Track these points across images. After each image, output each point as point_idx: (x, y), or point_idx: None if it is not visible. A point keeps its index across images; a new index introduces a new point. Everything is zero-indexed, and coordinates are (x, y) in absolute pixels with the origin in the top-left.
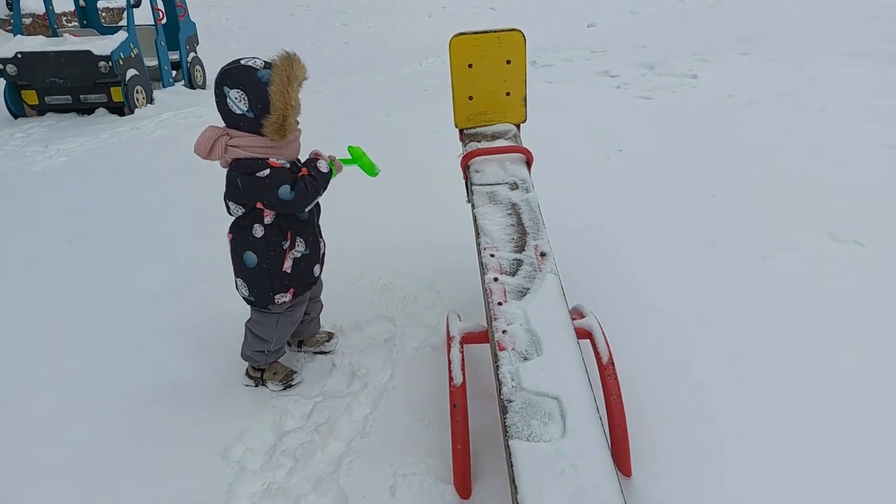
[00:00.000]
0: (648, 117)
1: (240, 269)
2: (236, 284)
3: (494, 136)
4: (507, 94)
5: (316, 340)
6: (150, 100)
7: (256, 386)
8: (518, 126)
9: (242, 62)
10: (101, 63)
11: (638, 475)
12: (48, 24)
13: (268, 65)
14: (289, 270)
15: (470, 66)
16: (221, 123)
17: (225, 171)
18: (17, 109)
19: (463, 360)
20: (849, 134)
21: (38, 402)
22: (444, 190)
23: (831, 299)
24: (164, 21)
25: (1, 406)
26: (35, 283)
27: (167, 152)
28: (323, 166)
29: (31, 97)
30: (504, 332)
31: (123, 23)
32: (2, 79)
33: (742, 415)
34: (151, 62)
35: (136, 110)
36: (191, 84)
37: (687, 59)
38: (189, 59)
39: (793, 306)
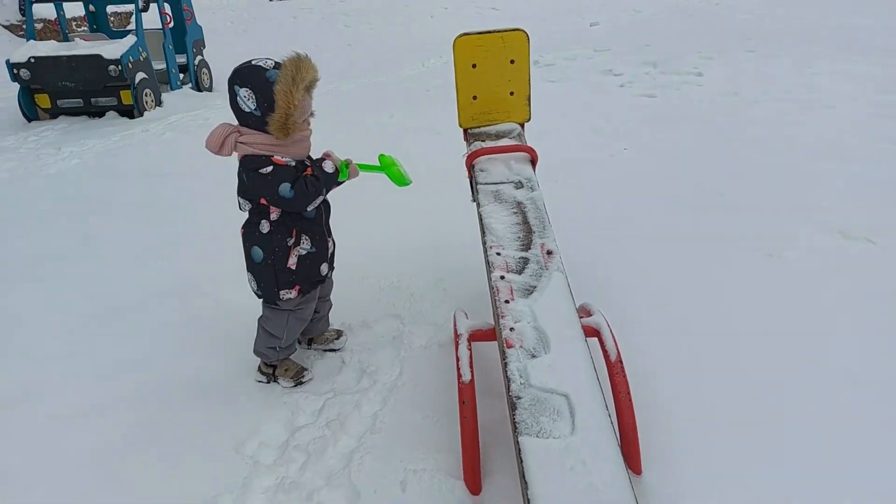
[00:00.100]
0: (652, 116)
1: (249, 263)
2: (248, 278)
3: (499, 136)
4: (511, 93)
5: (325, 338)
6: (158, 102)
7: (268, 382)
8: (522, 125)
9: (254, 62)
10: (111, 67)
11: (648, 473)
12: (59, 29)
13: (278, 65)
14: (293, 267)
15: (474, 66)
16: (234, 122)
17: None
18: (31, 113)
19: (471, 357)
20: (856, 130)
21: (54, 400)
22: (449, 189)
23: (841, 297)
24: (171, 25)
25: (18, 403)
26: (50, 282)
27: (176, 153)
28: (328, 167)
29: (43, 101)
30: (512, 329)
31: (132, 27)
32: (15, 83)
33: (751, 413)
34: (159, 65)
35: (145, 113)
36: (198, 87)
37: (691, 56)
38: (196, 62)
39: (802, 305)
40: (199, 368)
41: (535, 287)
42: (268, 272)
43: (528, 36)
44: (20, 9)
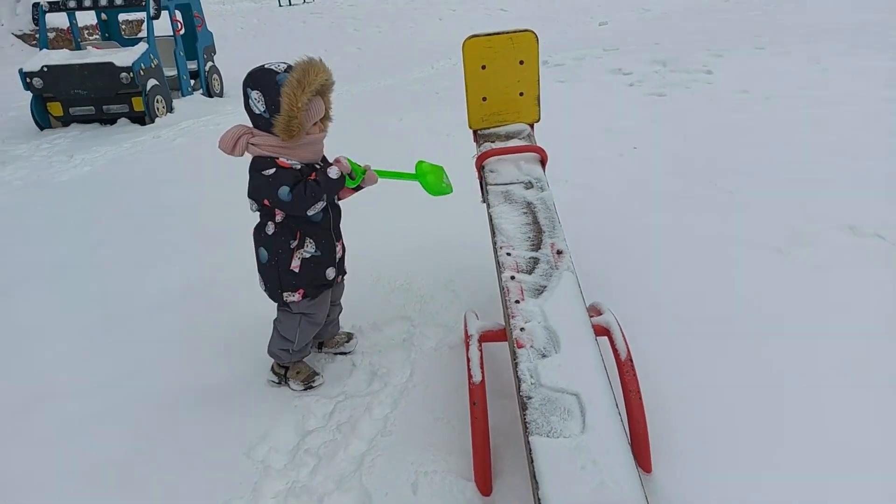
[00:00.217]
0: (662, 114)
1: (258, 264)
2: (258, 279)
3: (508, 137)
4: (521, 94)
5: (336, 342)
6: (169, 109)
7: (279, 384)
8: (532, 126)
9: (266, 65)
10: (123, 74)
11: (658, 471)
12: (72, 37)
13: (289, 68)
14: (297, 270)
15: (483, 67)
16: (249, 124)
17: None
18: (43, 121)
19: (481, 358)
20: (866, 126)
21: (66, 405)
22: (459, 190)
23: (852, 294)
24: (182, 32)
25: (29, 409)
26: (61, 288)
27: (187, 159)
28: (332, 173)
29: (56, 109)
30: (522, 329)
31: (143, 34)
32: (29, 91)
33: (762, 411)
34: (171, 72)
35: (157, 119)
36: (209, 93)
37: (700, 54)
38: (207, 68)
39: (813, 301)
40: (208, 373)
41: (545, 287)
42: (272, 273)
43: (536, 37)
44: (33, 18)
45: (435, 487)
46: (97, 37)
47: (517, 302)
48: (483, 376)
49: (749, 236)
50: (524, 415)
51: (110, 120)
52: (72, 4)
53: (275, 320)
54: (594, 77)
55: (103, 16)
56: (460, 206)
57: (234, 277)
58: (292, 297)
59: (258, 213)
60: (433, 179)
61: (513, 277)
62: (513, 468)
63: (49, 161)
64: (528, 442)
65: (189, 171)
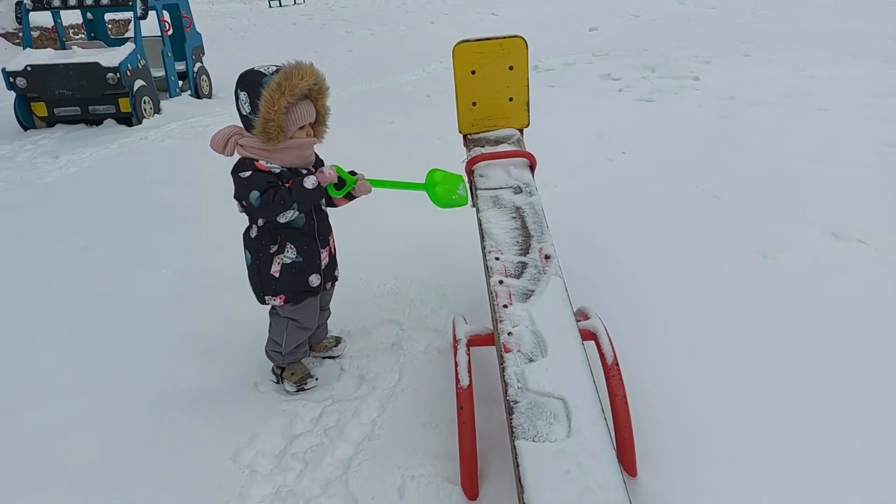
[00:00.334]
0: (651, 120)
1: (246, 266)
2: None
3: (498, 141)
4: (510, 99)
5: (324, 346)
6: (157, 110)
7: (278, 383)
8: (521, 131)
9: (256, 68)
10: (110, 75)
11: (643, 475)
12: (56, 36)
13: (277, 71)
14: (277, 275)
15: (473, 72)
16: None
17: None
18: (27, 121)
19: (469, 362)
20: (851, 133)
21: (52, 409)
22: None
23: (835, 298)
24: (170, 32)
25: (16, 412)
26: (48, 291)
27: (174, 161)
28: (308, 183)
29: (40, 109)
30: (510, 333)
31: (130, 34)
32: (12, 91)
33: (747, 414)
34: (158, 73)
35: (144, 120)
36: (197, 94)
37: (688, 61)
38: (195, 69)
39: (797, 306)
40: (196, 377)
41: (533, 291)
42: (255, 277)
43: (526, 43)
44: (16, 17)
45: (421, 491)
46: (83, 36)
47: (505, 306)
48: (471, 380)
49: (735, 241)
50: (510, 419)
51: (96, 121)
52: (56, 3)
53: (269, 322)
54: (584, 82)
55: (89, 15)
56: (451, 210)
57: (223, 280)
58: (274, 301)
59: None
60: (443, 191)
61: (501, 282)
62: (499, 472)
63: (33, 162)
64: (514, 446)
65: (177, 172)
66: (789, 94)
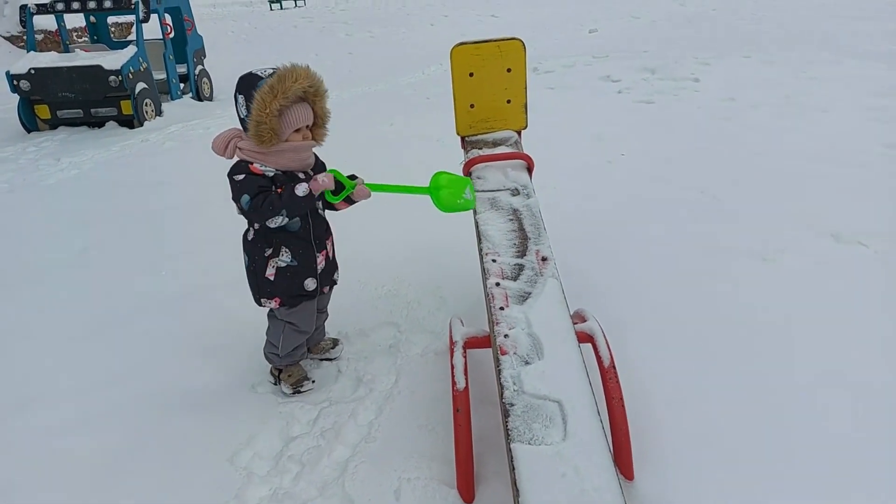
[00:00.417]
0: (650, 121)
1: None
2: None
3: (496, 143)
4: (508, 101)
5: (321, 348)
6: (158, 112)
7: (276, 384)
8: (519, 133)
9: (253, 71)
10: (112, 77)
11: (641, 478)
12: (60, 40)
13: (272, 74)
14: (272, 278)
15: (471, 74)
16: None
17: None
18: (30, 124)
19: (466, 364)
20: (851, 135)
21: (50, 410)
22: None
23: (835, 300)
24: (171, 35)
25: (15, 413)
26: (48, 292)
27: (176, 163)
28: (300, 190)
29: (43, 111)
30: (506, 336)
31: (133, 37)
32: (15, 94)
33: (745, 417)
34: (160, 75)
35: (146, 123)
36: (198, 96)
37: (688, 62)
38: (196, 71)
39: (797, 308)
40: (195, 378)
41: (529, 293)
42: (251, 279)
43: (524, 45)
44: (21, 20)
45: (418, 494)
46: (86, 39)
47: (501, 308)
48: (467, 383)
49: (735, 243)
50: (506, 422)
51: (98, 123)
52: (59, 7)
53: (267, 325)
54: (584, 84)
55: (92, 18)
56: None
57: (223, 282)
58: (270, 304)
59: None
60: (447, 195)
61: (498, 284)
62: (496, 475)
63: (36, 164)
64: (510, 449)
65: (178, 174)
66: (790, 96)
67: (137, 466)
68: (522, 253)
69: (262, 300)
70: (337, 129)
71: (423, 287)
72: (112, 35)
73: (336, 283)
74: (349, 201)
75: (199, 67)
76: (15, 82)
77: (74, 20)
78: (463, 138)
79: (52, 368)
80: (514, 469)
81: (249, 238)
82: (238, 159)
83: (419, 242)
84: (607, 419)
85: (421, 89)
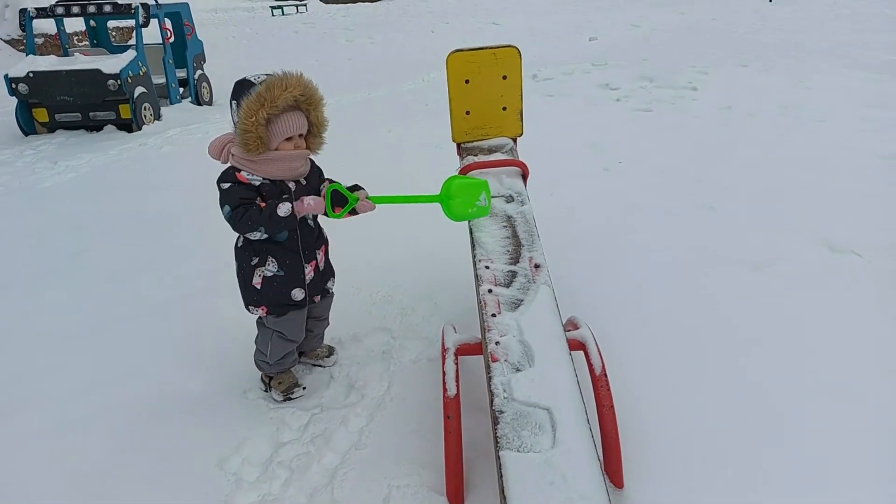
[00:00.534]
0: (648, 130)
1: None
2: None
3: (491, 150)
4: (504, 108)
5: (316, 354)
6: (157, 116)
7: (266, 391)
8: (515, 140)
9: (248, 77)
10: (110, 81)
11: (630, 486)
12: (60, 43)
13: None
14: (258, 287)
15: (467, 81)
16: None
17: None
18: (28, 127)
19: (457, 371)
20: (847, 144)
21: (41, 413)
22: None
23: (828, 310)
24: (171, 40)
25: (5, 416)
26: (40, 294)
27: (173, 167)
28: (282, 210)
29: (41, 115)
30: (497, 343)
31: (133, 42)
32: (14, 97)
33: (737, 427)
34: (159, 80)
35: (144, 127)
36: (197, 101)
37: (686, 71)
38: (196, 76)
39: (789, 318)
40: (186, 383)
41: (522, 300)
42: (240, 285)
43: (519, 52)
44: (20, 24)
45: (407, 501)
46: (86, 43)
47: (493, 315)
48: (458, 390)
49: (728, 252)
50: (495, 429)
51: (97, 127)
52: (59, 11)
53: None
54: (582, 92)
55: (92, 23)
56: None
57: (216, 287)
58: (257, 312)
59: None
60: (459, 204)
61: (490, 291)
62: (486, 482)
63: (33, 167)
64: (499, 456)
65: (175, 179)
66: (786, 105)
67: (126, 470)
68: (516, 260)
69: (250, 307)
70: (336, 134)
71: (418, 293)
72: (112, 39)
73: (330, 293)
74: (352, 212)
75: (199, 72)
76: (13, 85)
77: (75, 24)
78: (458, 145)
79: (44, 372)
80: (501, 476)
81: (238, 245)
82: (229, 165)
83: (414, 249)
84: (598, 427)
85: (421, 95)
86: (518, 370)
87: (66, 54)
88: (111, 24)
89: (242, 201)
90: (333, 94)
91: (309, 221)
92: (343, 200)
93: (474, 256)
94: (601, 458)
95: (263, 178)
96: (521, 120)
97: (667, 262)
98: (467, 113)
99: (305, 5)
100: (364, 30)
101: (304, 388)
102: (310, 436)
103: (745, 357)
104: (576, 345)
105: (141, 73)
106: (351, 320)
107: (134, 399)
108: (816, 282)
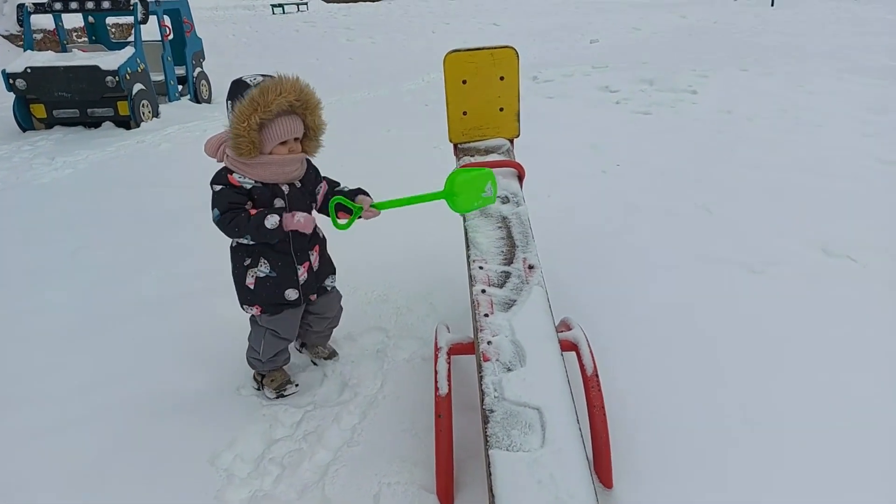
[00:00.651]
0: (647, 132)
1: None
2: None
3: (488, 151)
4: (501, 109)
5: (317, 352)
6: (155, 114)
7: (259, 389)
8: (511, 141)
9: (244, 77)
10: (109, 78)
11: (619, 486)
12: (58, 39)
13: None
14: (251, 286)
15: (464, 82)
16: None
17: None
18: (26, 123)
19: (449, 370)
20: (846, 149)
21: (36, 411)
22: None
23: (820, 314)
24: (170, 37)
25: (4, 415)
26: (37, 293)
27: (171, 165)
28: (269, 223)
29: (39, 111)
30: (489, 343)
31: (132, 38)
32: (11, 93)
33: (729, 428)
34: (158, 77)
35: (142, 124)
36: (196, 98)
37: (686, 74)
38: (195, 74)
39: (781, 321)
40: (181, 380)
41: (515, 301)
42: (235, 284)
43: (517, 53)
44: (18, 19)
45: (397, 499)
46: (85, 40)
47: (486, 315)
48: (450, 389)
49: (725, 254)
50: (485, 428)
51: (94, 123)
52: (57, 6)
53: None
54: (582, 94)
55: (90, 19)
56: (443, 217)
57: (215, 287)
58: (251, 311)
59: None
60: (464, 199)
61: (483, 291)
62: (476, 481)
63: (30, 163)
64: (488, 455)
65: (173, 176)
66: (786, 109)
67: (119, 467)
68: (510, 260)
69: (244, 306)
70: (334, 134)
71: (415, 293)
72: (112, 36)
73: (329, 290)
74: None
75: (198, 70)
76: (11, 81)
77: (74, 20)
78: (455, 145)
79: (39, 369)
80: (490, 475)
81: (232, 246)
82: (223, 166)
83: (411, 249)
84: (588, 427)
85: (420, 96)
86: (509, 370)
87: (64, 50)
88: (110, 20)
89: (231, 206)
90: (333, 94)
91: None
92: (346, 210)
93: (468, 257)
94: (591, 457)
95: (255, 182)
96: (518, 121)
97: (662, 263)
98: (464, 113)
99: (306, 4)
100: (365, 29)
101: (296, 386)
102: (302, 433)
103: (737, 359)
104: (568, 345)
105: (139, 70)
106: (346, 319)
107: (129, 397)
108: (810, 286)
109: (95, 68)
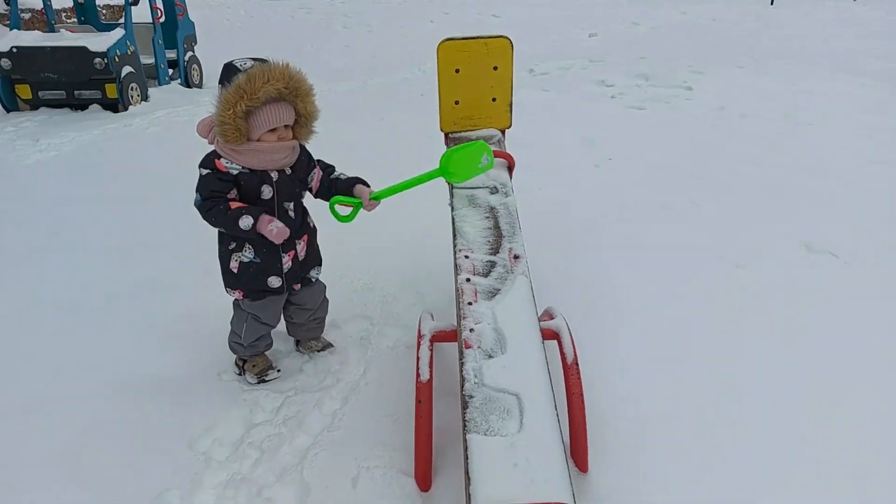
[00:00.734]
0: (640, 127)
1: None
2: None
3: None
4: (493, 99)
5: (309, 346)
6: (144, 97)
7: (240, 375)
8: (503, 132)
9: (235, 61)
10: (97, 60)
11: (595, 470)
12: (46, 19)
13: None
14: (235, 271)
15: (457, 70)
16: None
17: None
18: (10, 103)
19: (431, 357)
20: (837, 149)
21: (13, 392)
22: (433, 192)
23: (800, 309)
24: (162, 19)
25: None
26: (18, 275)
27: (159, 149)
28: (243, 223)
29: (24, 91)
30: (471, 330)
31: (122, 20)
32: None
33: (703, 415)
34: (148, 60)
35: (131, 107)
36: (187, 83)
37: (682, 70)
38: (186, 57)
39: (761, 315)
40: (162, 365)
41: (499, 290)
42: (220, 267)
43: (511, 43)
44: None
45: (376, 482)
46: (74, 20)
47: (470, 303)
48: (431, 375)
49: (710, 249)
50: (464, 413)
51: (81, 105)
52: None
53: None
54: (578, 88)
55: None
56: (432, 206)
57: (196, 270)
58: (234, 295)
59: None
60: (459, 170)
61: (468, 280)
62: (454, 466)
63: (13, 145)
64: (465, 439)
65: (159, 160)
66: (780, 108)
67: (97, 449)
68: (496, 250)
69: (228, 290)
70: (328, 122)
71: (402, 282)
72: (103, 17)
73: (313, 282)
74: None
75: (190, 54)
76: None
77: (63, 0)
78: (446, 134)
79: (17, 352)
80: (467, 458)
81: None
82: (212, 149)
83: (399, 238)
84: (566, 413)
85: (416, 85)
86: (490, 357)
87: (52, 30)
88: (100, 1)
89: (213, 194)
90: (329, 81)
91: (290, 212)
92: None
93: (455, 246)
94: (567, 443)
95: (242, 168)
96: (511, 112)
97: (647, 256)
98: (456, 103)
99: None
100: (362, 17)
101: (278, 371)
102: (282, 417)
103: (715, 351)
104: (550, 334)
105: (129, 53)
106: (331, 307)
107: (108, 380)
108: (791, 281)
109: (83, 49)
